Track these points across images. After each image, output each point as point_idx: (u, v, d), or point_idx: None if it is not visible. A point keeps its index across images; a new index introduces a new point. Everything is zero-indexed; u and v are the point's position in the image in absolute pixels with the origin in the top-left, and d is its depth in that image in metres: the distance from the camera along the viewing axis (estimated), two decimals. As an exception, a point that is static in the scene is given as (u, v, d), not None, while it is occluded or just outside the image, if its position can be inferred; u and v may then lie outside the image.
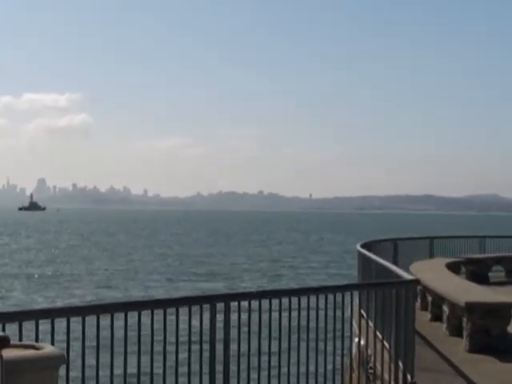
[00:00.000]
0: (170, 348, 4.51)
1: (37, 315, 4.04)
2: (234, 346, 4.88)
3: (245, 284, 29.48)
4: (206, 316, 4.72)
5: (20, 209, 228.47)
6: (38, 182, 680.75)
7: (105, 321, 4.24)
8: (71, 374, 4.03)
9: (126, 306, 4.48)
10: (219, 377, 4.81)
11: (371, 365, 6.39)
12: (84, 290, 26.93)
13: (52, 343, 3.77)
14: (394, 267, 7.24)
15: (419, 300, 10.13)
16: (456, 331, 8.12)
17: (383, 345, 6.34)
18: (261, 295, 5.21)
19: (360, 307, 6.56)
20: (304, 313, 5.30)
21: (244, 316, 4.96)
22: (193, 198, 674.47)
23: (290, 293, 5.50)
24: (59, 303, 22.42)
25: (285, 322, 5.17)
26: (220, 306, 4.78)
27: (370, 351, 6.39)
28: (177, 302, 4.77)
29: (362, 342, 6.50)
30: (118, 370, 4.26)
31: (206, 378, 4.73)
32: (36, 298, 24.37)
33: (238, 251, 49.89)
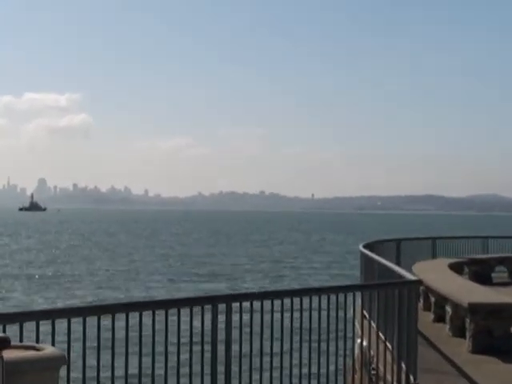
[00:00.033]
0: (172, 349, 4.49)
1: (37, 316, 4.03)
2: (235, 347, 4.86)
3: (246, 284, 29.47)
4: (208, 317, 4.70)
5: (20, 209, 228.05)
6: (39, 182, 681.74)
7: (106, 321, 4.22)
8: (72, 374, 4.01)
9: (127, 307, 4.47)
10: (221, 378, 4.79)
11: (374, 366, 6.36)
12: (85, 290, 26.93)
13: (53, 344, 3.75)
14: (396, 268, 7.22)
15: (422, 300, 10.10)
16: (459, 332, 8.10)
17: (386, 346, 6.31)
18: (263, 296, 5.18)
19: (362, 308, 6.53)
20: (306, 313, 5.27)
21: (246, 317, 4.93)
22: (193, 198, 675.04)
23: (291, 293, 5.48)
24: (60, 304, 22.43)
25: (287, 322, 5.15)
26: (222, 306, 4.76)
27: (372, 352, 6.36)
28: (178, 303, 4.75)
29: (365, 343, 6.47)
30: (119, 371, 4.24)
31: (207, 379, 4.71)
32: (36, 298, 24.37)
33: (240, 251, 49.90)
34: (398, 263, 11.87)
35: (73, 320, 4.09)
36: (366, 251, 9.55)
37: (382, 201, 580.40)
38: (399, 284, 6.23)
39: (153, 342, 4.39)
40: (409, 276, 6.45)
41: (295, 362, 5.20)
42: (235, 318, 4.83)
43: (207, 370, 4.70)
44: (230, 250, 51.03)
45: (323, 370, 5.45)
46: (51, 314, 4.12)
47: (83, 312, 4.24)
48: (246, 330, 4.91)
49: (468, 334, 7.55)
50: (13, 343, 3.03)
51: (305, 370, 5.29)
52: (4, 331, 3.69)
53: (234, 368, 4.86)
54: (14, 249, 50.05)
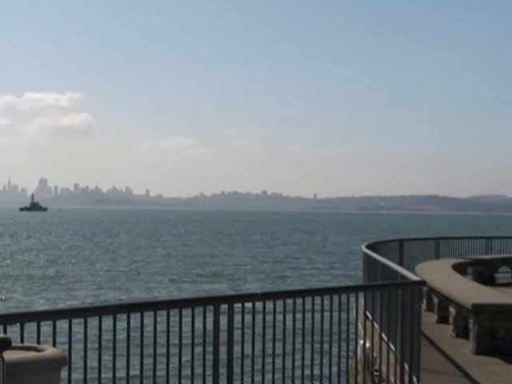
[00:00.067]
0: (173, 350, 4.46)
1: (38, 317, 4.02)
2: (237, 348, 4.83)
3: (248, 285, 29.42)
4: (210, 318, 4.68)
5: (21, 209, 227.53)
6: (40, 182, 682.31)
7: (107, 322, 4.19)
8: (73, 375, 4.00)
9: (129, 308, 4.44)
10: (223, 379, 4.77)
11: (376, 367, 6.32)
12: (86, 291, 26.91)
13: (54, 345, 3.74)
14: (399, 268, 7.18)
15: (425, 301, 10.07)
16: (462, 333, 8.07)
17: (389, 347, 6.28)
18: (265, 296, 5.15)
19: (365, 309, 6.50)
20: (308, 314, 5.24)
21: (248, 317, 4.90)
22: (196, 198, 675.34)
23: (294, 294, 5.46)
24: (61, 304, 22.42)
25: (289, 323, 5.12)
26: (223, 307, 4.73)
27: (375, 353, 6.32)
28: (180, 304, 4.72)
29: (368, 344, 6.43)
30: (121, 372, 4.22)
31: (209, 381, 4.69)
32: (37, 299, 24.34)
33: (242, 252, 49.88)
34: (401, 264, 11.84)
35: (74, 321, 4.08)
36: (369, 252, 9.51)
37: (385, 201, 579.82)
38: (402, 285, 6.19)
39: (154, 343, 4.37)
40: (412, 277, 6.41)
41: (298, 363, 5.17)
42: (237, 318, 4.81)
43: (209, 371, 4.68)
44: (232, 251, 51.01)
45: (326, 372, 5.42)
46: (52, 315, 4.11)
47: (84, 313, 4.23)
48: (248, 331, 4.89)
49: (471, 335, 7.51)
50: (14, 344, 3.03)
51: (307, 372, 5.26)
52: (5, 332, 3.69)
53: (236, 369, 4.84)
54: (15, 249, 50.04)
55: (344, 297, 5.55)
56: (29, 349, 3.23)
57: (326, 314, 5.39)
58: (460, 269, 12.89)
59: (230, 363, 4.78)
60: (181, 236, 74.44)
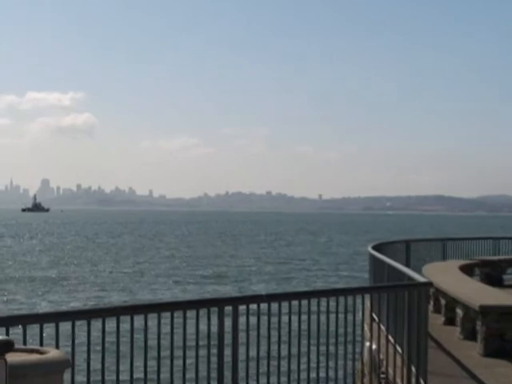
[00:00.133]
0: (178, 352, 4.42)
1: (41, 319, 4.00)
2: (242, 350, 4.78)
3: (253, 286, 29.40)
4: (214, 319, 4.63)
5: (23, 210, 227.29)
6: (42, 182, 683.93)
7: (110, 324, 4.15)
8: (76, 378, 3.97)
9: (132, 309, 4.41)
10: (228, 382, 4.73)
11: (383, 370, 6.27)
12: (89, 292, 26.93)
13: (57, 347, 3.71)
14: (406, 269, 7.12)
15: (432, 303, 10.00)
16: (470, 335, 8.00)
17: (395, 349, 6.22)
18: (270, 298, 5.10)
19: (371, 310, 6.44)
20: (314, 316, 5.19)
21: (253, 319, 4.85)
22: (199, 199, 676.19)
23: (299, 295, 5.43)
24: (64, 306, 22.42)
25: (295, 325, 5.06)
26: (228, 309, 4.69)
27: (381, 356, 6.26)
28: (184, 305, 4.69)
29: (374, 347, 6.37)
30: (124, 375, 4.18)
31: (214, 383, 4.63)
32: (40, 301, 24.36)
33: (246, 253, 49.88)
34: (408, 265, 11.76)
35: (77, 323, 4.05)
36: (375, 252, 9.46)
37: (391, 201, 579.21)
38: (409, 286, 6.14)
39: (158, 346, 4.33)
40: (419, 278, 6.35)
41: (303, 366, 5.12)
42: (242, 320, 4.76)
43: (214, 374, 4.64)
44: (237, 252, 51.02)
45: (332, 374, 5.37)
46: (55, 317, 4.09)
47: (87, 315, 4.20)
48: (253, 333, 4.84)
49: (479, 337, 7.45)
50: (16, 346, 3.00)
51: (313, 375, 5.22)
52: (7, 334, 3.66)
53: (241, 372, 4.79)
54: (17, 250, 50.17)
55: (350, 298, 5.50)
56: (31, 351, 3.21)
57: (332, 316, 5.34)
58: (467, 270, 12.80)
59: (234, 366, 4.73)
60: (184, 237, 74.53)
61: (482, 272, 14.32)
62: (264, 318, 4.89)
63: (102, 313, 4.26)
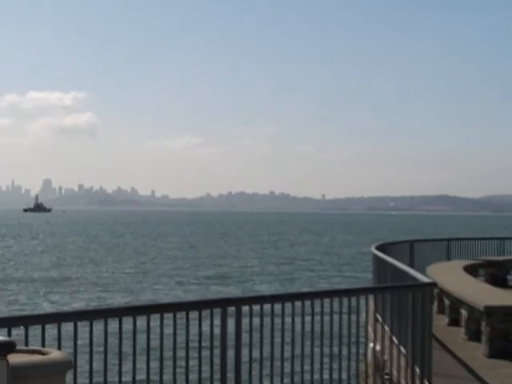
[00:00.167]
0: (180, 353, 4.39)
1: (43, 319, 3.99)
2: (245, 352, 4.75)
3: (256, 287, 29.38)
4: (217, 320, 4.61)
5: (25, 210, 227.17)
6: (44, 182, 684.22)
7: (113, 325, 4.13)
8: (78, 379, 3.96)
9: (135, 310, 4.40)
10: (231, 383, 4.69)
11: (387, 371, 6.23)
12: (91, 293, 26.93)
13: (59, 348, 3.70)
14: (410, 270, 7.09)
15: (436, 304, 9.95)
16: (474, 336, 7.96)
17: (399, 350, 6.19)
18: (273, 299, 5.08)
19: (375, 311, 6.41)
20: (318, 317, 5.16)
21: (256, 320, 4.83)
22: (202, 199, 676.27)
23: (303, 296, 5.40)
24: (66, 307, 22.40)
25: (298, 326, 5.04)
26: (231, 310, 4.67)
27: (385, 356, 6.23)
28: (187, 306, 4.67)
29: (378, 347, 6.34)
30: (127, 376, 4.17)
31: (217, 384, 4.61)
32: (42, 301, 24.37)
33: (249, 253, 49.86)
34: (412, 265, 11.72)
35: (79, 323, 4.03)
36: (379, 253, 9.43)
37: (395, 201, 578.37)
38: (413, 287, 6.11)
39: (161, 347, 4.31)
40: (423, 278, 6.32)
41: (307, 367, 5.09)
42: (245, 321, 4.73)
43: (217, 375, 4.62)
44: (239, 252, 51.00)
45: (335, 376, 5.34)
46: (57, 318, 4.07)
47: (90, 315, 4.18)
48: (257, 333, 4.81)
49: (484, 338, 7.41)
50: (18, 347, 2.99)
51: (317, 376, 5.19)
52: (9, 335, 3.64)
53: (244, 373, 4.77)
54: (19, 251, 50.20)
55: (354, 299, 5.48)
56: (33, 352, 3.20)
57: (336, 317, 5.32)
58: (472, 270, 12.74)
59: (237, 367, 4.71)
60: (187, 237, 74.54)
61: (486, 272, 14.26)
62: (267, 319, 4.87)
63: (105, 313, 4.24)
